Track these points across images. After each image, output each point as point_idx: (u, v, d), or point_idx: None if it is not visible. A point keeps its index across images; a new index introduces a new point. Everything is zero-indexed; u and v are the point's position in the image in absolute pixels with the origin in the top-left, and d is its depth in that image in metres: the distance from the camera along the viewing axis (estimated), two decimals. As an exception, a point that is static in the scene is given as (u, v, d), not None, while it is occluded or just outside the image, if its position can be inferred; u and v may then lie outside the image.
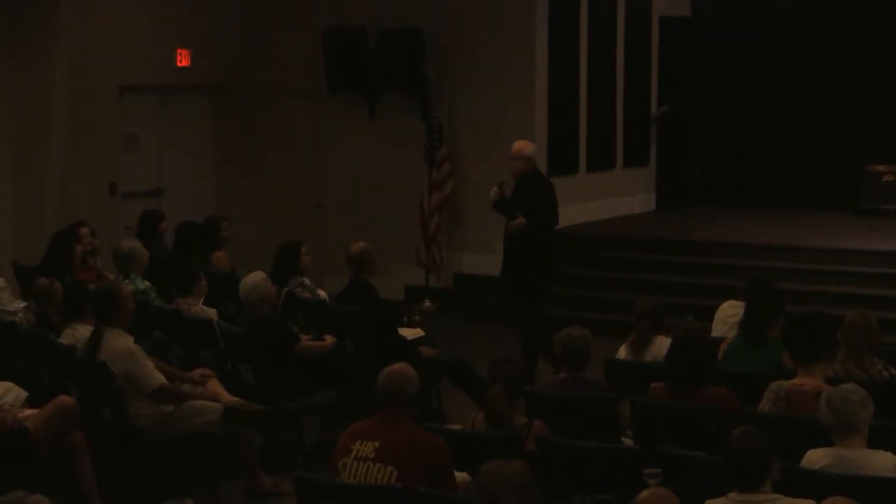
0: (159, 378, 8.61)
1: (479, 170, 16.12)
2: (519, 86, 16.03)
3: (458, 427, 7.71)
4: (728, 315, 9.46)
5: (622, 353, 9.15)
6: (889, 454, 6.31)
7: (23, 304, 10.30)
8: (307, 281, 11.01)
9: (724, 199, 18.38)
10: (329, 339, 10.05)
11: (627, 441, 7.71)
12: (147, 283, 10.70)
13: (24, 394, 8.33)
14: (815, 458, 6.36)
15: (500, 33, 16.02)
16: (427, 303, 15.72)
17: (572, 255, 15.87)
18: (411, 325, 11.18)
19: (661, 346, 8.61)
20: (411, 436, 6.36)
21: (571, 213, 16.53)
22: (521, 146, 11.70)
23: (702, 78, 18.61)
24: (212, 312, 9.98)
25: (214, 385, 8.94)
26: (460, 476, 6.42)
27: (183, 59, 15.92)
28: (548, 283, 12.07)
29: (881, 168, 17.57)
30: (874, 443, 6.40)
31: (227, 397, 8.85)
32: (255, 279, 9.87)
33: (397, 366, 6.55)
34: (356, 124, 16.62)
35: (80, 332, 8.91)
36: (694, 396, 7.53)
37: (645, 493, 5.22)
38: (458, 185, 16.10)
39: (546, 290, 12.10)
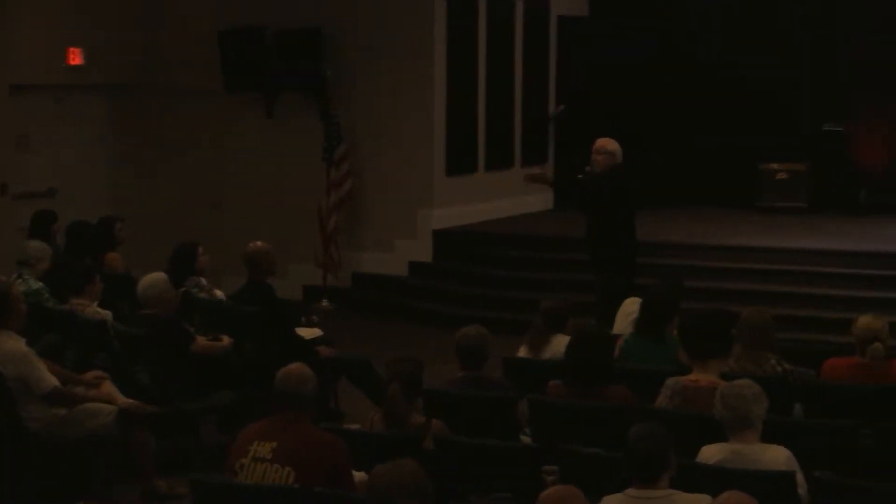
0: (52, 380, 8.48)
1: (378, 169, 16.13)
2: (417, 85, 16.03)
3: (356, 427, 7.67)
4: (630, 311, 9.51)
5: (522, 351, 9.16)
6: (782, 448, 6.38)
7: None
8: (204, 281, 10.93)
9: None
10: (226, 340, 9.97)
11: (526, 439, 7.72)
12: (40, 284, 10.54)
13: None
14: (710, 453, 6.42)
15: (399, 32, 16.00)
16: (325, 302, 15.67)
17: (470, 254, 15.92)
18: (309, 324, 11.13)
19: (559, 344, 8.63)
20: (309, 436, 6.34)
21: (470, 213, 16.60)
22: (604, 142, 12.00)
23: (600, 77, 18.71)
24: (106, 314, 9.85)
25: (108, 387, 8.83)
26: (359, 476, 6.39)
27: (75, 58, 15.71)
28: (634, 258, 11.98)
29: (775, 166, 17.81)
30: (768, 437, 6.47)
31: (122, 399, 8.75)
32: (152, 279, 9.77)
33: (294, 366, 6.52)
34: (254, 124, 16.52)
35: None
36: (591, 394, 7.56)
37: (548, 491, 5.23)
38: (356, 184, 16.06)
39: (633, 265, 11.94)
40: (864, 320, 8.04)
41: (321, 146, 15.80)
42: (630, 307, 9.60)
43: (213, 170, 16.71)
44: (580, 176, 12.09)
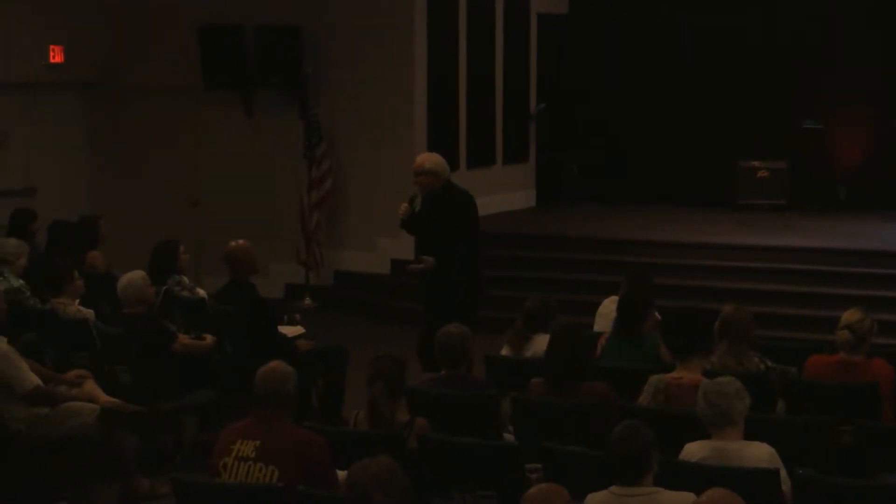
0: (33, 380, 8.47)
1: (359, 166, 16.12)
2: (398, 83, 16.02)
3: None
4: (609, 310, 9.52)
5: (504, 350, 9.17)
6: (764, 445, 6.40)
7: None
8: (185, 280, 10.92)
9: (604, 195, 18.52)
10: (208, 339, 9.96)
11: (509, 437, 7.72)
12: (21, 282, 10.50)
13: None
14: (693, 450, 6.43)
15: (379, 30, 15.98)
16: (307, 301, 15.66)
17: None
18: (291, 323, 11.12)
19: (541, 342, 8.63)
20: (292, 435, 6.34)
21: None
22: (423, 160, 10.53)
23: (581, 75, 18.74)
24: (88, 313, 9.83)
25: (90, 386, 8.81)
26: (342, 475, 6.38)
27: (56, 56, 15.67)
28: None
29: (755, 164, 17.85)
30: (750, 434, 6.48)
31: (104, 398, 8.73)
32: (131, 278, 9.74)
33: (274, 364, 6.52)
34: (234, 122, 16.50)
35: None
36: (573, 392, 7.57)
37: (534, 489, 5.24)
38: (337, 182, 16.05)
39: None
40: (846, 313, 8.06)
41: (302, 144, 15.78)
42: (608, 307, 9.61)
43: (193, 168, 16.67)
44: (408, 204, 10.47)
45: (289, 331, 10.62)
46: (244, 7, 16.20)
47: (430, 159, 10.47)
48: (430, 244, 10.41)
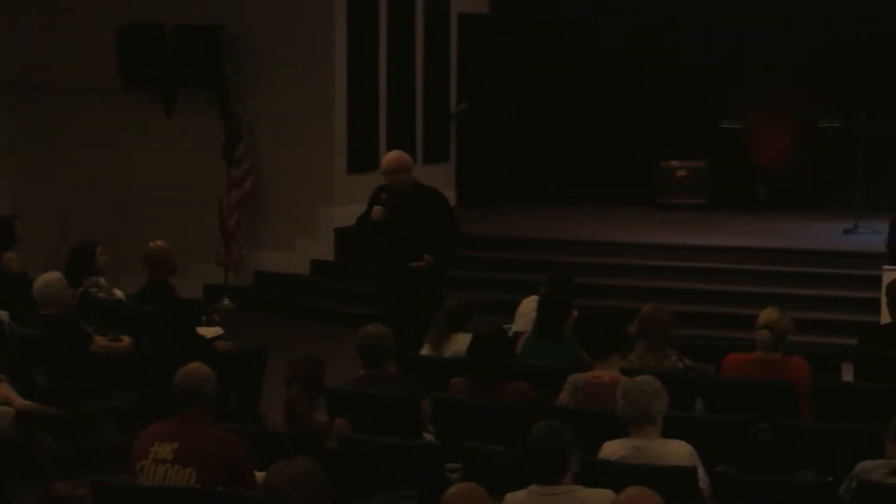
0: (-53, 382, 8.36)
1: (279, 167, 16.05)
2: (318, 82, 15.96)
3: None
4: (529, 310, 9.55)
5: (424, 349, 9.16)
6: (683, 443, 6.44)
7: None
8: (103, 281, 10.81)
9: (525, 195, 18.56)
10: (126, 340, 9.89)
11: (429, 437, 7.72)
12: (-66, 285, 10.38)
13: None
14: (612, 449, 6.46)
15: (299, 29, 15.93)
16: (226, 301, 15.56)
17: (374, 252, 15.85)
18: (210, 324, 11.06)
19: (461, 342, 8.64)
20: (210, 436, 6.30)
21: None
22: (395, 158, 10.50)
23: (502, 74, 18.77)
24: (2, 314, 9.70)
25: (5, 389, 8.71)
26: (261, 476, 6.35)
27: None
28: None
29: (675, 163, 17.97)
30: (669, 433, 6.52)
31: (19, 401, 8.65)
32: (48, 279, 9.63)
33: (193, 365, 6.47)
34: (153, 122, 16.35)
35: None
36: (495, 391, 7.58)
37: (453, 489, 5.24)
38: (257, 182, 15.97)
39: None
40: (764, 312, 8.12)
41: (222, 144, 15.69)
42: (528, 307, 9.64)
43: (112, 168, 16.50)
44: (378, 203, 10.36)
45: (208, 332, 10.56)
46: (165, 6, 16.05)
47: (402, 157, 10.48)
48: (407, 243, 10.32)
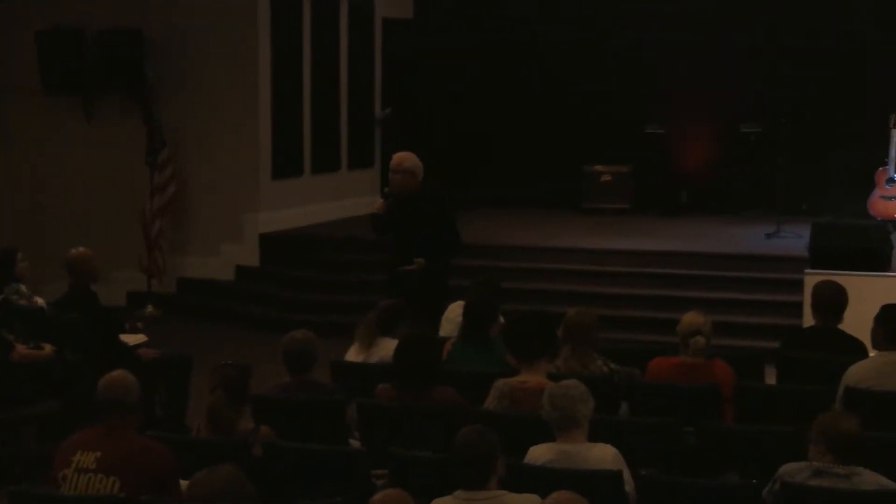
0: None
1: (203, 172, 15.96)
2: (242, 87, 15.90)
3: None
4: (455, 315, 9.54)
5: (351, 354, 9.13)
6: (608, 446, 6.46)
7: None
8: (23, 288, 10.66)
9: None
10: (47, 348, 9.78)
11: (355, 443, 7.69)
12: None
13: None
14: (539, 453, 6.47)
15: (222, 34, 15.85)
16: (150, 308, 15.45)
17: (297, 258, 15.82)
18: (133, 331, 10.96)
19: (387, 347, 8.61)
20: (134, 444, 6.24)
21: (297, 216, 16.51)
22: (401, 158, 10.50)
23: (428, 79, 18.78)
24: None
25: (-76, 398, 8.59)
26: (185, 484, 6.30)
27: None
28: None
29: (599, 168, 18.08)
30: (594, 436, 6.54)
31: (-61, 410, 8.52)
32: (-33, 287, 9.53)
33: (117, 373, 6.41)
34: (73, 127, 16.21)
35: None
36: (422, 397, 7.56)
37: (378, 495, 5.22)
38: (180, 188, 15.87)
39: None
40: (687, 317, 8.18)
41: (144, 149, 15.57)
42: (454, 312, 9.63)
43: (32, 173, 16.34)
44: (382, 199, 10.59)
45: (131, 339, 10.48)
46: (85, 11, 15.90)
47: (409, 158, 10.51)
48: (405, 246, 10.42)
